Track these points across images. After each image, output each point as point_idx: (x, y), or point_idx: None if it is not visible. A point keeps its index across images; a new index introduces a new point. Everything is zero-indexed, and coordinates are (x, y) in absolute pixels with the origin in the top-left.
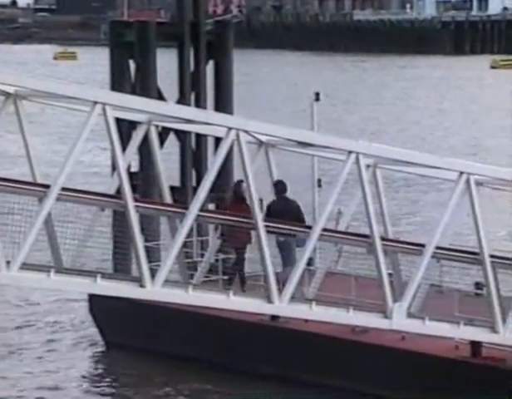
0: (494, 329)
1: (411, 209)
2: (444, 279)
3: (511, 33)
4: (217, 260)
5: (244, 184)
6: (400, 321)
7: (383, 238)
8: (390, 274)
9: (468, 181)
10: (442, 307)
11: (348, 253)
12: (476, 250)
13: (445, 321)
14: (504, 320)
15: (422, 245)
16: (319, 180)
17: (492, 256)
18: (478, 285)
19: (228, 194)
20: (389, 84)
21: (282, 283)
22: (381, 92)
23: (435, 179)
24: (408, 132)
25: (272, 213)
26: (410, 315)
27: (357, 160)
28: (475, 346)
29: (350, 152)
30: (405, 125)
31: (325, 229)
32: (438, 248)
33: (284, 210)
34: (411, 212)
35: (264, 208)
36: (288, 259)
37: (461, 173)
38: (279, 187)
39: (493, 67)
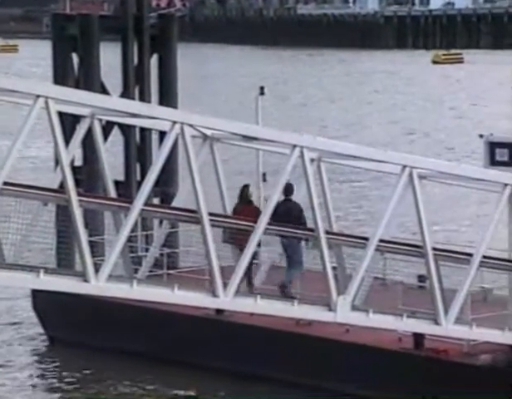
0: (436, 321)
1: (355, 202)
2: (388, 272)
3: (452, 28)
4: (162, 255)
5: (251, 188)
6: (344, 314)
7: (327, 232)
8: (334, 267)
9: (411, 175)
10: (386, 299)
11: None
12: (419, 243)
13: (388, 313)
14: (446, 312)
15: (366, 238)
16: (264, 174)
17: (435, 249)
18: (421, 278)
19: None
20: (333, 78)
21: (283, 284)
22: (325, 86)
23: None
24: (354, 125)
25: (277, 213)
26: (354, 308)
27: (302, 153)
28: (418, 338)
29: (294, 146)
30: (350, 118)
31: (270, 223)
32: (382, 241)
33: (288, 212)
34: (355, 205)
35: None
36: (291, 261)
37: (404, 166)
38: (288, 190)
39: (435, 62)
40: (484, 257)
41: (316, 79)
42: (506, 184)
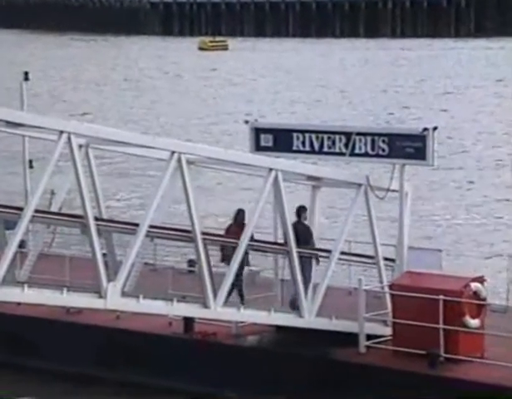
0: (205, 305)
1: (126, 187)
2: (158, 257)
3: (217, 15)
4: None
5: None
6: (114, 300)
7: (97, 218)
8: (105, 254)
9: (179, 160)
10: (156, 285)
11: (62, 235)
12: (188, 228)
13: (159, 298)
14: (215, 295)
15: (136, 224)
16: (30, 161)
17: (204, 233)
18: (191, 262)
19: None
20: (103, 64)
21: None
22: (94, 72)
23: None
24: (123, 113)
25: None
26: (124, 294)
27: (69, 139)
28: (188, 322)
29: (62, 132)
30: (120, 105)
31: (37, 211)
32: (151, 226)
33: (300, 233)
34: (126, 191)
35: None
36: (303, 278)
37: (173, 152)
38: (300, 212)
39: (201, 49)
40: (252, 240)
41: (85, 64)
42: (271, 169)
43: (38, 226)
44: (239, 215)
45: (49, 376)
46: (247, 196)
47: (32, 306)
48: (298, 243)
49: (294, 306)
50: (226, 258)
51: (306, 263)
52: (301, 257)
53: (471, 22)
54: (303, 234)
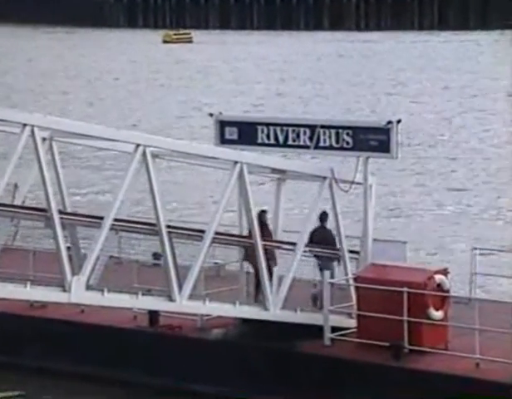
0: (170, 298)
1: (90, 181)
2: (123, 250)
3: (182, 8)
4: None
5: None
6: (79, 294)
7: (61, 212)
8: (69, 248)
9: (144, 153)
10: (121, 278)
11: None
12: (153, 221)
13: (123, 292)
14: (180, 288)
15: (101, 218)
16: None
17: (168, 226)
18: (156, 255)
19: None
20: (63, 56)
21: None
22: (55, 65)
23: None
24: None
25: (314, 238)
26: (89, 288)
27: (32, 132)
28: (153, 315)
29: (25, 125)
30: (81, 98)
31: (0, 204)
32: (116, 220)
33: (323, 237)
34: (90, 184)
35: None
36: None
37: (138, 145)
38: (323, 217)
39: (165, 41)
40: (217, 233)
41: (53, 56)
42: (236, 162)
43: (1, 220)
44: (261, 216)
45: (11, 371)
46: (210, 189)
47: None
48: (324, 245)
49: (316, 302)
50: (249, 257)
51: (329, 265)
52: (322, 257)
53: (434, 15)
54: (326, 238)
